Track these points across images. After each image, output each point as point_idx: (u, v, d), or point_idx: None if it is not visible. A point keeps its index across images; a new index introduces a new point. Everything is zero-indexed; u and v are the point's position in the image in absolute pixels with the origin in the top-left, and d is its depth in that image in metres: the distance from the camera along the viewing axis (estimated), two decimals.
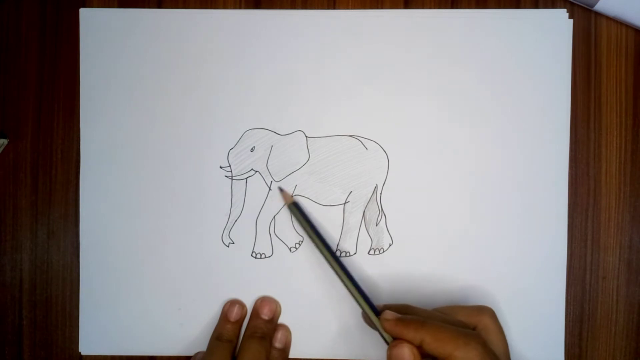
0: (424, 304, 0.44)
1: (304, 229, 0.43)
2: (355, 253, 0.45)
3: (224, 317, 0.44)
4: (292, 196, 0.44)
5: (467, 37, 0.45)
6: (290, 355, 0.44)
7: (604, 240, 0.45)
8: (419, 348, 0.36)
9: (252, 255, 0.45)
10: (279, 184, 0.45)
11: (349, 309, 0.44)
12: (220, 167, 0.45)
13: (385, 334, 0.38)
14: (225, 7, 0.46)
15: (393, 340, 0.37)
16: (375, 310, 0.40)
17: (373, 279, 0.44)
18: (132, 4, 0.45)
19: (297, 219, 0.44)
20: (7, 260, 0.45)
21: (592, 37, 0.45)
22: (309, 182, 0.45)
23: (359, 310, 0.42)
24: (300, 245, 0.45)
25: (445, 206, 0.45)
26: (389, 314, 0.38)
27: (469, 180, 0.45)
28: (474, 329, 0.38)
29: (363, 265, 0.45)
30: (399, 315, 0.38)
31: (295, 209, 0.44)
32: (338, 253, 0.45)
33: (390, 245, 0.45)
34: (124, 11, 0.45)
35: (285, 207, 0.44)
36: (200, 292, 0.45)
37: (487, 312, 0.39)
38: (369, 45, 0.45)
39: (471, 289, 0.44)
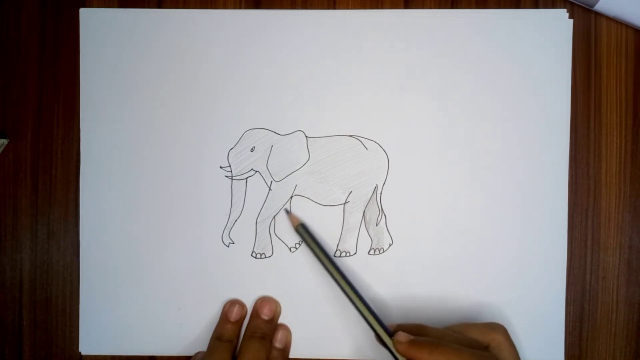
0: (424, 304, 0.44)
1: (313, 251, 0.43)
2: (355, 253, 0.45)
3: (224, 317, 0.44)
4: (299, 220, 0.44)
5: (467, 37, 0.45)
6: (290, 355, 0.44)
7: (604, 240, 0.45)
8: None
9: (252, 255, 0.45)
10: (279, 184, 0.45)
11: (349, 309, 0.44)
12: (220, 167, 0.45)
13: (398, 356, 0.38)
14: (225, 7, 0.46)
15: None
16: (388, 331, 0.39)
17: (373, 280, 0.45)
18: (132, 4, 0.45)
19: (306, 242, 0.43)
20: (7, 260, 0.45)
21: (592, 37, 0.45)
22: (309, 182, 0.45)
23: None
24: (300, 245, 0.45)
25: (445, 206, 0.45)
26: (402, 336, 0.38)
27: (469, 180, 0.45)
28: (487, 347, 0.38)
29: (363, 265, 0.44)
30: (412, 337, 0.37)
31: (304, 231, 0.43)
32: (338, 253, 0.45)
33: (390, 245, 0.45)
34: (124, 11, 0.45)
35: (292, 227, 0.44)
36: (200, 292, 0.45)
37: (500, 330, 0.39)
38: (369, 45, 0.45)
39: (471, 289, 0.44)
